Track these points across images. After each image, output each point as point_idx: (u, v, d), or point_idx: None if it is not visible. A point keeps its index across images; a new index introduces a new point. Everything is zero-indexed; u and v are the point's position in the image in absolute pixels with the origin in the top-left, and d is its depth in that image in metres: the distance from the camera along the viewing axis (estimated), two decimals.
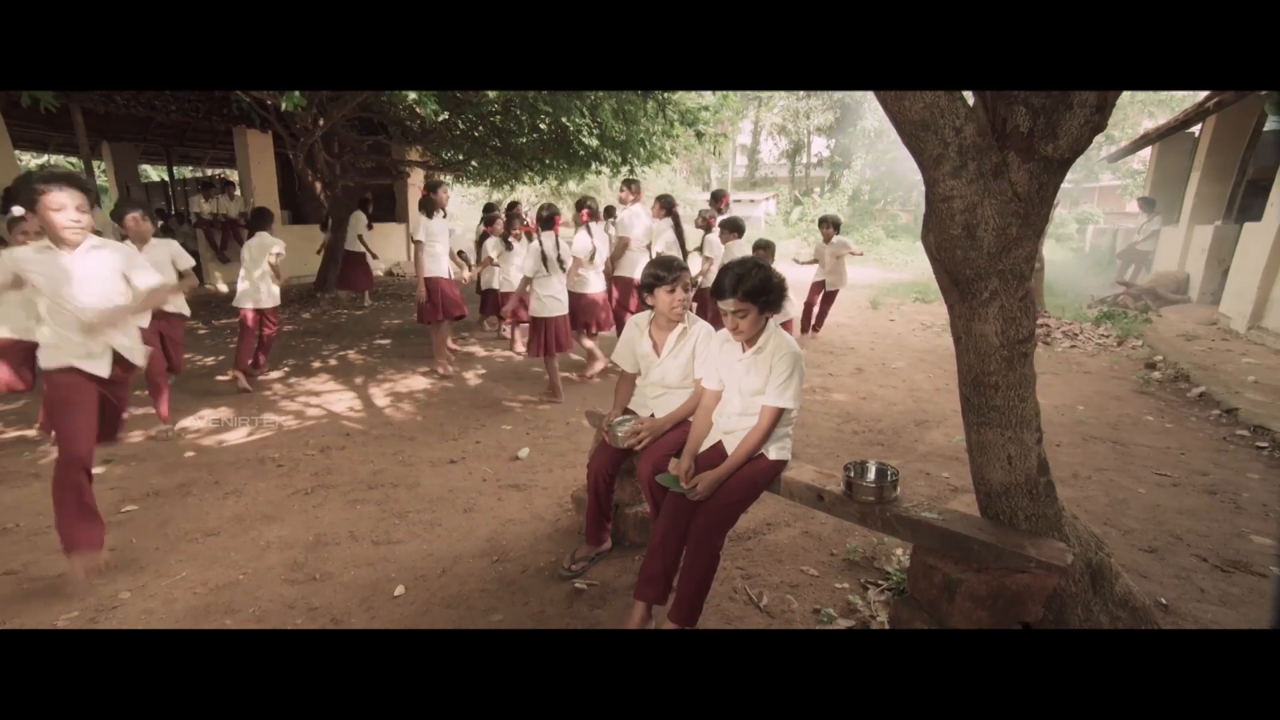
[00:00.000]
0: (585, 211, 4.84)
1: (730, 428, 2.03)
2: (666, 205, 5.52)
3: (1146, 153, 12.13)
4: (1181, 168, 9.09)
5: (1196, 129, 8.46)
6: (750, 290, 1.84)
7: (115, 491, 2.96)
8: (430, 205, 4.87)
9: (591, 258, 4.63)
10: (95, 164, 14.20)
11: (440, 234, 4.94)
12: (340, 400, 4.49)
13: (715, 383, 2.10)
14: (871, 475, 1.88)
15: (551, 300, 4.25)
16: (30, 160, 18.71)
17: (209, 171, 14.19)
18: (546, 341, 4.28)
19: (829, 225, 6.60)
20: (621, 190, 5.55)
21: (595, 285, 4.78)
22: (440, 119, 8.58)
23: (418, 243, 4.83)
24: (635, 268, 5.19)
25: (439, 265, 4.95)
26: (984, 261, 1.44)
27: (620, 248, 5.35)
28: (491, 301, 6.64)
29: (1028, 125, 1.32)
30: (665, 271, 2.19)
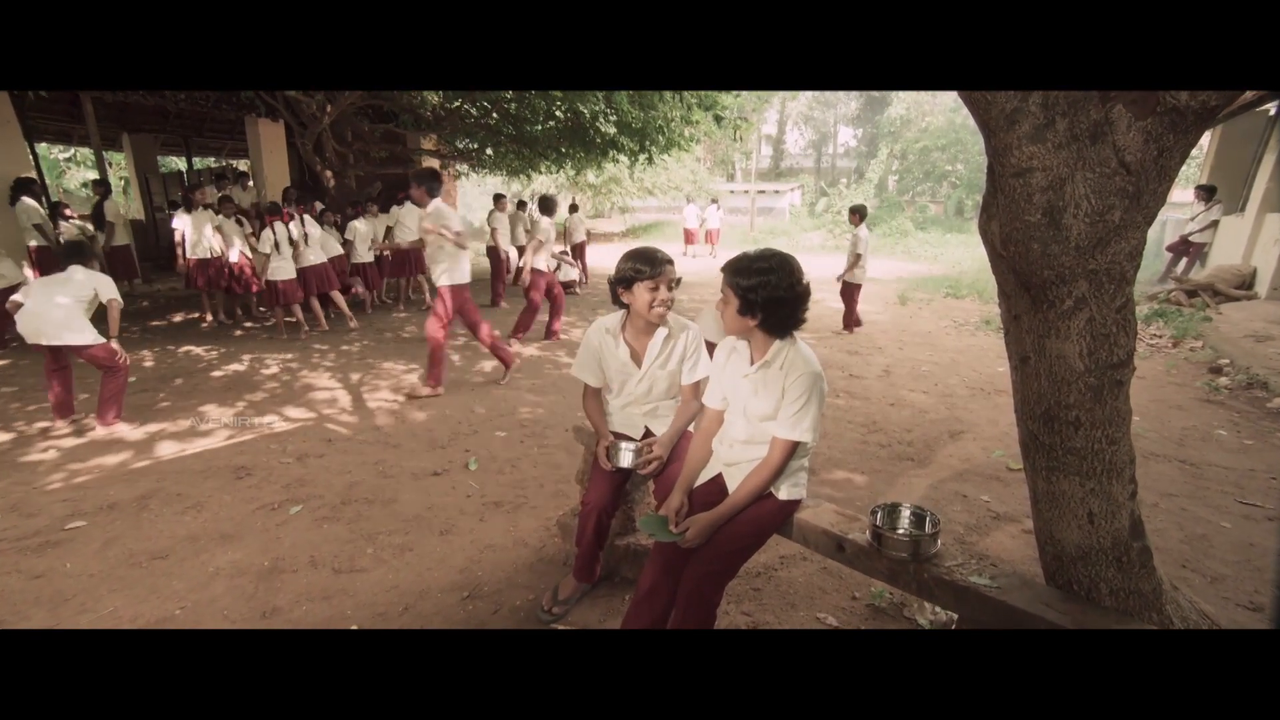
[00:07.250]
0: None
1: (733, 459, 1.68)
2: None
3: (1204, 136, 11.24)
4: (1248, 150, 8.32)
5: (1271, 107, 7.69)
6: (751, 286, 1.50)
7: (67, 504, 2.73)
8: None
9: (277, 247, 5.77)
10: (117, 155, 14.40)
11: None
12: (330, 400, 4.23)
13: (717, 401, 1.74)
14: (905, 525, 1.52)
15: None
16: (57, 152, 19.07)
17: (226, 162, 14.20)
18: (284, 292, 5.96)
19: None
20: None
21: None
22: (453, 105, 8.36)
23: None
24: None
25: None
26: (1070, 258, 1.06)
27: None
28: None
29: None
30: (647, 265, 1.82)
